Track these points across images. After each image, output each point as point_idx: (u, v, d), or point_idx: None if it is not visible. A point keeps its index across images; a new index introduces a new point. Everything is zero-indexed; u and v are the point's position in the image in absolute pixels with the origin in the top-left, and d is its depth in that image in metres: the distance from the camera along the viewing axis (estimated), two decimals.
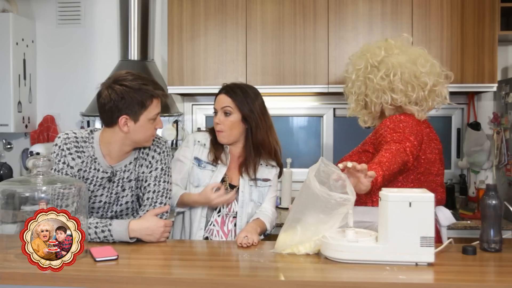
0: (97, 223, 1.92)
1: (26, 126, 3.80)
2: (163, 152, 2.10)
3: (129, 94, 1.88)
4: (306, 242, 1.75)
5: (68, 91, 3.92)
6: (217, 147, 2.24)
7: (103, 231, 1.90)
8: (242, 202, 2.19)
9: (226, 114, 2.18)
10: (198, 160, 2.22)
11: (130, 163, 2.05)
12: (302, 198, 1.75)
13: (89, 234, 1.89)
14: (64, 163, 1.97)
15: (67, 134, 2.02)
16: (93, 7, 3.91)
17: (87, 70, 3.90)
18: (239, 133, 2.21)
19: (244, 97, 2.19)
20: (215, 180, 2.19)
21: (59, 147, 1.99)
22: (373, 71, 2.16)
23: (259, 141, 2.21)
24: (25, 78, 3.78)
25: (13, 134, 3.87)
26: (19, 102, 3.71)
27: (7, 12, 3.68)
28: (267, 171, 2.25)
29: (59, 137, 2.01)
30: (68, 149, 1.98)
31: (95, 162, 2.00)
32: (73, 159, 1.98)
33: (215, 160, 2.21)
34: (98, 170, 2.01)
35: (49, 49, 3.94)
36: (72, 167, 1.98)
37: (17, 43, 3.68)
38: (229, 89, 2.20)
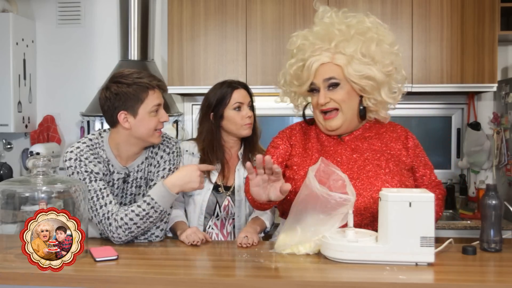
0: (133, 206, 1.87)
1: (26, 126, 3.81)
2: (173, 152, 2.07)
3: (123, 90, 1.88)
4: (306, 242, 1.75)
5: (68, 91, 3.92)
6: (212, 156, 2.19)
7: (149, 204, 1.85)
8: (240, 202, 2.19)
9: (250, 108, 2.24)
10: None
11: (142, 162, 2.04)
12: (302, 198, 1.75)
13: (134, 223, 1.86)
14: (86, 171, 1.91)
15: (78, 147, 1.95)
16: (93, 7, 3.91)
17: (87, 70, 3.90)
18: None
19: (251, 92, 2.28)
20: (208, 187, 2.18)
21: (75, 159, 1.92)
22: None
23: (257, 134, 2.29)
24: (25, 78, 3.78)
25: (13, 134, 3.87)
26: (19, 102, 3.71)
27: (7, 12, 3.68)
28: None
29: (72, 151, 1.94)
30: (86, 158, 1.93)
31: (109, 164, 1.98)
32: (94, 165, 1.94)
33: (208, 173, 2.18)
34: (114, 172, 1.99)
35: (49, 49, 3.94)
36: (97, 173, 1.93)
37: (17, 43, 3.68)
38: (244, 84, 2.26)
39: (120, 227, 1.86)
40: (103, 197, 1.89)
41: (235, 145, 2.26)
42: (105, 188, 1.92)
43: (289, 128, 2.05)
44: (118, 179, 2.01)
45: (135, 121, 1.91)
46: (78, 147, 1.95)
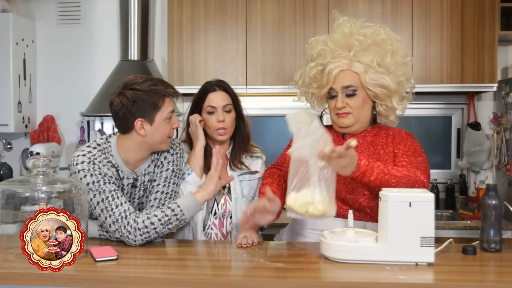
0: (156, 211, 1.88)
1: (26, 126, 3.80)
2: (176, 153, 2.07)
3: (140, 97, 1.86)
4: (318, 203, 1.70)
5: (68, 91, 3.92)
6: (205, 157, 2.18)
7: (173, 211, 1.87)
8: (236, 200, 2.19)
9: (227, 111, 2.17)
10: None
11: (149, 166, 2.03)
12: (295, 160, 1.74)
13: (154, 227, 1.86)
14: (100, 174, 1.88)
15: (89, 151, 1.92)
16: (93, 7, 3.91)
17: (87, 70, 3.90)
18: (233, 129, 2.22)
19: (234, 93, 2.22)
20: None
21: (88, 162, 1.88)
22: None
23: (246, 135, 2.26)
24: (25, 78, 3.78)
25: (13, 134, 3.87)
26: (19, 102, 3.71)
27: (7, 12, 3.68)
28: (253, 163, 2.25)
29: (84, 155, 1.89)
30: (99, 162, 1.91)
31: (118, 170, 1.96)
32: (108, 169, 1.92)
33: (206, 171, 2.17)
34: (123, 178, 1.98)
35: (49, 49, 3.94)
36: (111, 176, 1.91)
37: (17, 43, 3.68)
38: (224, 86, 2.20)
39: (139, 229, 1.85)
40: (118, 197, 1.88)
41: (222, 146, 2.23)
42: (118, 190, 1.91)
43: None
44: (127, 185, 2.00)
45: (151, 128, 1.90)
46: (89, 151, 1.92)
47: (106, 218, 1.87)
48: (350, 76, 1.95)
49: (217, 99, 2.16)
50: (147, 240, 1.88)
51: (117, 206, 1.87)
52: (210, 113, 2.16)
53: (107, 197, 1.87)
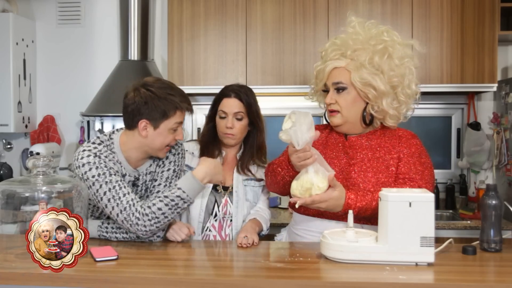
0: (160, 197, 1.87)
1: (26, 126, 3.81)
2: (178, 154, 2.07)
3: (153, 100, 1.85)
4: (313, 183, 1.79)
5: (68, 91, 3.92)
6: (211, 154, 2.22)
7: (178, 196, 1.85)
8: (237, 203, 2.19)
9: (238, 119, 2.18)
10: (189, 167, 2.21)
11: (150, 165, 2.03)
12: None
13: (163, 212, 1.84)
14: (106, 167, 1.88)
15: (95, 147, 1.92)
16: (93, 7, 3.91)
17: (87, 70, 3.90)
18: (244, 136, 2.23)
19: (251, 101, 2.21)
20: (208, 185, 2.19)
21: (94, 156, 1.88)
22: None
23: (260, 143, 2.26)
24: (25, 78, 3.78)
25: (13, 134, 3.88)
26: (19, 102, 3.71)
27: (7, 12, 3.68)
28: (260, 171, 2.26)
29: (89, 150, 1.89)
30: (106, 156, 1.91)
31: (121, 166, 1.97)
32: (114, 163, 1.92)
33: None
34: (126, 175, 1.98)
35: (49, 49, 3.94)
36: (117, 171, 1.91)
37: (17, 43, 3.68)
38: (239, 93, 2.20)
39: (147, 215, 1.84)
40: (124, 187, 1.87)
41: (233, 148, 2.26)
42: (124, 181, 1.91)
43: None
44: (128, 182, 2.00)
45: (153, 132, 1.90)
46: (95, 147, 1.92)
47: (113, 207, 1.85)
48: (342, 73, 1.95)
49: (229, 105, 2.19)
50: (156, 226, 1.86)
51: (124, 195, 1.86)
52: (222, 117, 2.20)
53: (114, 187, 1.86)
